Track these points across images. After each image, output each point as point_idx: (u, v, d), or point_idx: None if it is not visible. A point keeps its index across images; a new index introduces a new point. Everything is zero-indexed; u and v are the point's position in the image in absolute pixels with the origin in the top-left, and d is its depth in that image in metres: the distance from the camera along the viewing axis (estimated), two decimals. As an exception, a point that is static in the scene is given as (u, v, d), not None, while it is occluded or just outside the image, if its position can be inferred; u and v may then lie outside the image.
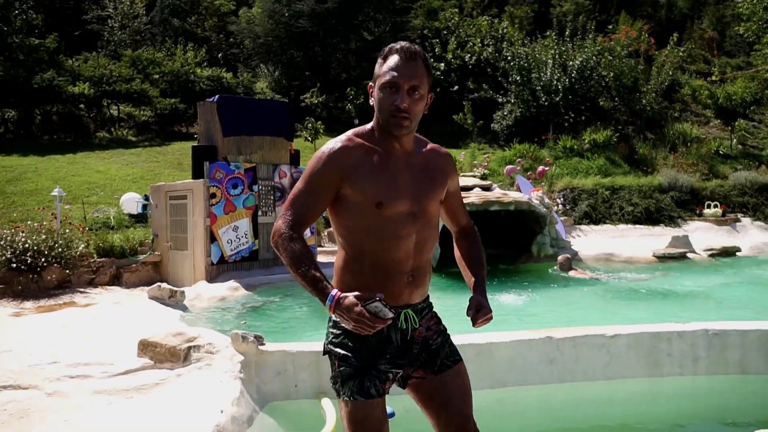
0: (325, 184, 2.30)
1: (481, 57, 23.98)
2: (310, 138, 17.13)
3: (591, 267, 11.22)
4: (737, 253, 12.42)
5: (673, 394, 5.13)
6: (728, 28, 39.62)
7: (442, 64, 23.71)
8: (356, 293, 2.11)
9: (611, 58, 21.07)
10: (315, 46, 25.97)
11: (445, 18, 26.66)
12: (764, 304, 8.52)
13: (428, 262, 2.48)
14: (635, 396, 5.06)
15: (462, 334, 4.47)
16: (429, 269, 2.49)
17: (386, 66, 2.26)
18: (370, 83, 2.35)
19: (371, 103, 2.34)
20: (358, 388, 2.29)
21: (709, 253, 12.18)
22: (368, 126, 2.39)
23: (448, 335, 2.57)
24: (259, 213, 10.44)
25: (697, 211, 15.43)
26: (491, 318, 2.41)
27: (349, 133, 2.38)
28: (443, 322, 2.58)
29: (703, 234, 13.96)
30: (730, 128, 21.59)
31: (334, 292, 2.12)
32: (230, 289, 8.93)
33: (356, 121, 21.71)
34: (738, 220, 15.18)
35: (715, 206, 15.33)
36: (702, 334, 5.27)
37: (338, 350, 2.35)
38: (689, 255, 12.00)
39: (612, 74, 20.87)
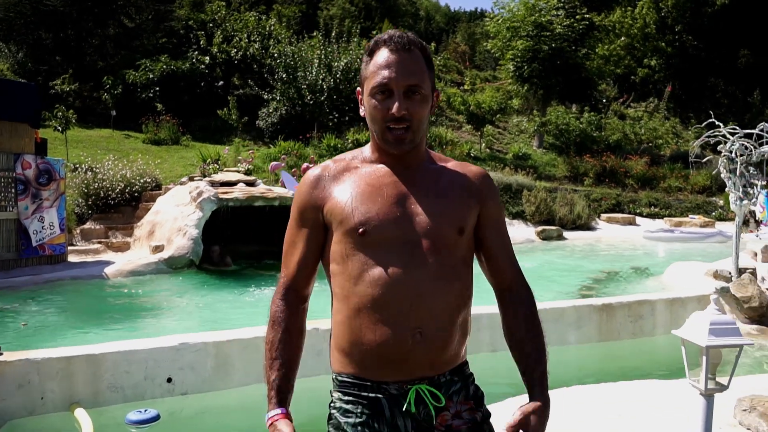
0: (309, 217, 1.77)
1: (248, 53, 23.62)
2: (60, 128, 15.53)
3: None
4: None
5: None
6: (477, 44, 43.33)
7: (207, 58, 22.99)
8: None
9: (375, 61, 21.74)
10: (67, 28, 23.72)
11: (212, 10, 25.91)
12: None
13: (451, 315, 1.72)
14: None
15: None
16: (455, 326, 1.73)
17: (374, 64, 1.69)
18: (358, 88, 1.79)
19: (361, 114, 1.78)
20: None
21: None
22: (367, 147, 1.84)
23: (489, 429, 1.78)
24: (-4, 208, 9.22)
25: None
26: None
27: (344, 154, 1.85)
28: (485, 407, 1.80)
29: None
30: (479, 133, 23.42)
31: (273, 413, 1.65)
32: (-44, 297, 7.74)
33: (113, 113, 20.11)
34: (486, 217, 16.43)
35: (467, 204, 16.46)
36: (458, 319, 5.52)
37: None
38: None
39: (375, 77, 21.55)
